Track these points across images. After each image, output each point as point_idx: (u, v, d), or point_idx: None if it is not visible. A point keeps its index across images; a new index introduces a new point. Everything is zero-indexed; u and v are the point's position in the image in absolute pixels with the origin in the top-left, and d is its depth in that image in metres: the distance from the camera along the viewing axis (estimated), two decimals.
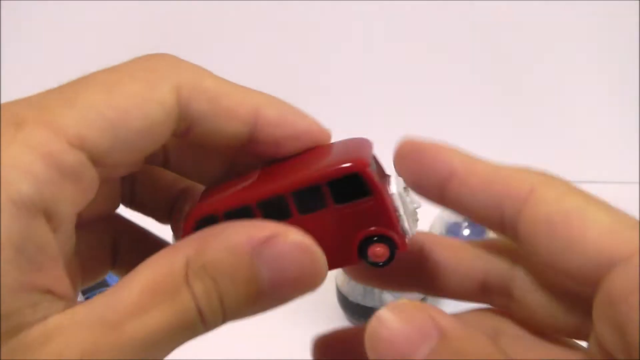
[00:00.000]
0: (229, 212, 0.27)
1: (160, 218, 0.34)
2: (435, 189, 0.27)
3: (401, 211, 0.26)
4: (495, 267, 0.30)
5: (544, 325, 0.29)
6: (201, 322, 0.24)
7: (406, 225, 0.26)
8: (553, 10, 0.88)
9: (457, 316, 0.31)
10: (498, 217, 0.27)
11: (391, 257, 0.27)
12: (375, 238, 0.26)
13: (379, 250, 0.26)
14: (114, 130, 0.24)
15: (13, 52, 0.90)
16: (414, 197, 0.27)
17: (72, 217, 0.24)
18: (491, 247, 0.31)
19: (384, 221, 0.26)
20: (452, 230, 0.74)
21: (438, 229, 0.74)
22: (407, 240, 0.26)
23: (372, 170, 0.26)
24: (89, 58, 0.87)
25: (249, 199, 0.27)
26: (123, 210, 0.33)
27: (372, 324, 0.23)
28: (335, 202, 0.26)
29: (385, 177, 0.28)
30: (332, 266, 0.26)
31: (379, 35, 0.91)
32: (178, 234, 0.33)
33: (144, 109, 0.25)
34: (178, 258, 0.24)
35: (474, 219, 0.28)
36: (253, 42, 0.91)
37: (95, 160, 0.24)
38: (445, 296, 0.32)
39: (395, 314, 0.23)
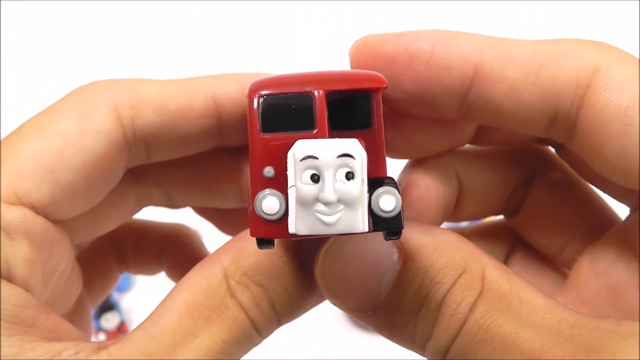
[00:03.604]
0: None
1: (151, 270, 0.33)
2: (452, 96, 0.22)
3: (291, 181, 0.18)
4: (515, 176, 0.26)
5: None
6: (255, 331, 0.22)
7: (267, 203, 0.19)
8: (553, 10, 0.88)
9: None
10: (547, 114, 0.21)
11: (261, 241, 0.19)
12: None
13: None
14: (52, 174, 0.22)
15: (13, 52, 0.90)
16: (343, 187, 0.18)
17: (34, 274, 0.22)
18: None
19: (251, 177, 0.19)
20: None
21: None
22: (263, 225, 0.19)
23: (263, 98, 0.19)
24: (88, 58, 0.87)
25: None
26: None
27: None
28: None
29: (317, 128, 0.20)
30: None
31: None
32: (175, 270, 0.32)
33: (81, 143, 0.23)
34: (215, 271, 0.22)
35: (508, 125, 0.22)
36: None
37: (42, 210, 0.22)
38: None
39: None
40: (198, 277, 0.22)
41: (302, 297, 0.22)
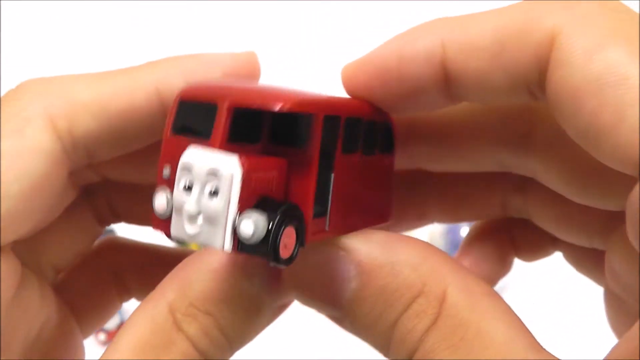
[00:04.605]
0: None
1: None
2: (435, 93, 0.21)
3: (175, 185, 0.19)
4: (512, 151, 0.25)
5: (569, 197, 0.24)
6: None
7: (157, 202, 0.19)
8: None
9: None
10: (521, 91, 0.20)
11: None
12: None
13: None
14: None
15: (13, 52, 0.90)
16: (205, 203, 0.18)
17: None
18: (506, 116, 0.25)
19: None
20: (451, 230, 0.74)
21: (438, 230, 0.74)
22: (161, 221, 0.19)
23: (180, 103, 0.20)
24: (88, 57, 0.87)
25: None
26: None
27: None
28: None
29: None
30: None
31: None
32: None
33: (17, 166, 0.21)
34: (159, 308, 0.21)
35: (495, 100, 0.21)
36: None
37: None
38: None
39: None
40: (142, 317, 0.21)
41: (251, 318, 0.22)
